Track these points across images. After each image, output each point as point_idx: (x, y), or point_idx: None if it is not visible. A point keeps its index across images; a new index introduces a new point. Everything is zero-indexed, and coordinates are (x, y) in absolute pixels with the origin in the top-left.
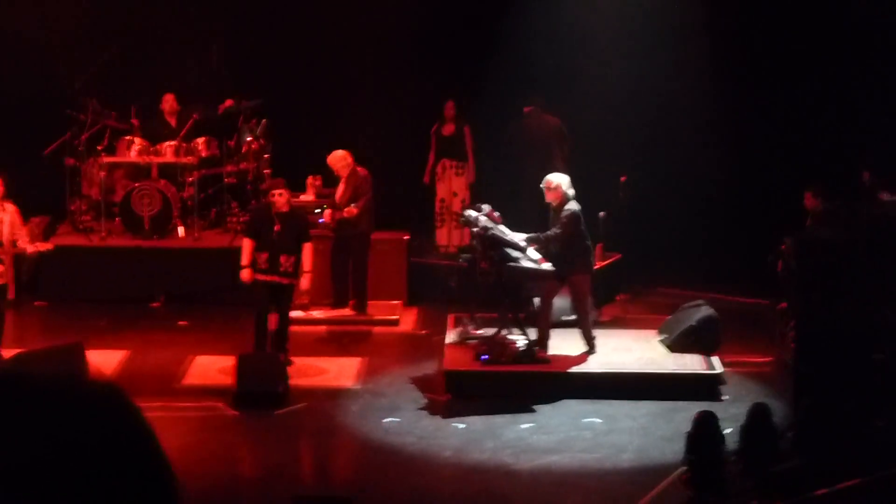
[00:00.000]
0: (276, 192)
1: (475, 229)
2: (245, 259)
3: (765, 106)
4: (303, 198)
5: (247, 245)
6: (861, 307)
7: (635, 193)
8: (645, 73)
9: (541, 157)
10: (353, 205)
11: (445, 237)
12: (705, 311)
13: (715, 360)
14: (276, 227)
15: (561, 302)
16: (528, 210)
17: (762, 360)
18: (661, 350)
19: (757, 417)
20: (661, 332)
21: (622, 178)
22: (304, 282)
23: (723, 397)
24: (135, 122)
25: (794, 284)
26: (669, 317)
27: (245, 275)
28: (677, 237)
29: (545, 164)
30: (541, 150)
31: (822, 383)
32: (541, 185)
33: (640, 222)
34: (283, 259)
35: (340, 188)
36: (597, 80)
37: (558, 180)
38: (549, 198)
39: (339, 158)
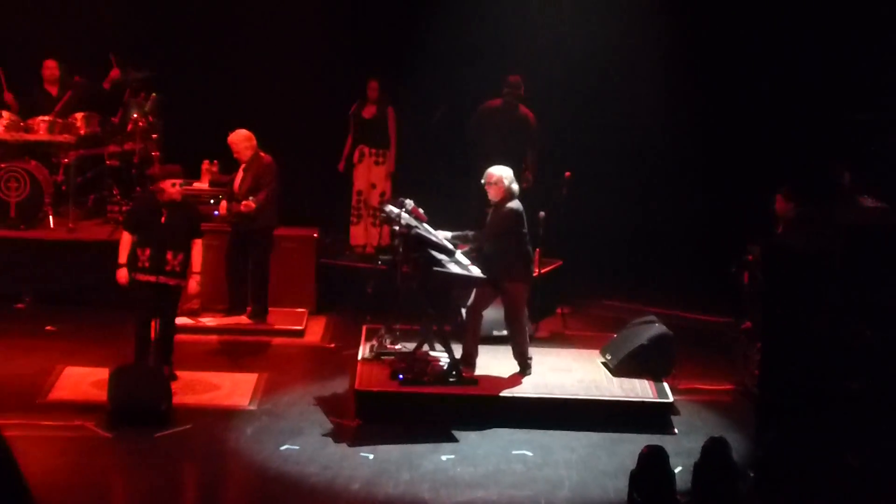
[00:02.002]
0: (169, 182)
1: (396, 227)
2: (122, 256)
3: (730, 97)
4: (196, 185)
5: (125, 240)
6: (835, 327)
7: (579, 192)
8: (598, 54)
9: (504, 156)
10: (252, 197)
11: (362, 236)
12: (657, 328)
13: (666, 386)
14: (162, 219)
15: (492, 314)
16: (477, 215)
17: (721, 387)
18: (605, 373)
19: (712, 454)
20: (605, 352)
21: (566, 174)
22: (193, 283)
23: (674, 429)
24: (7, 94)
25: (760, 300)
26: (615, 335)
27: (121, 276)
28: (626, 243)
29: (509, 165)
30: (509, 151)
31: (789, 415)
32: (481, 180)
33: (585, 225)
34: (169, 256)
35: (240, 175)
36: (543, 59)
37: (500, 173)
38: (491, 194)
39: (241, 139)
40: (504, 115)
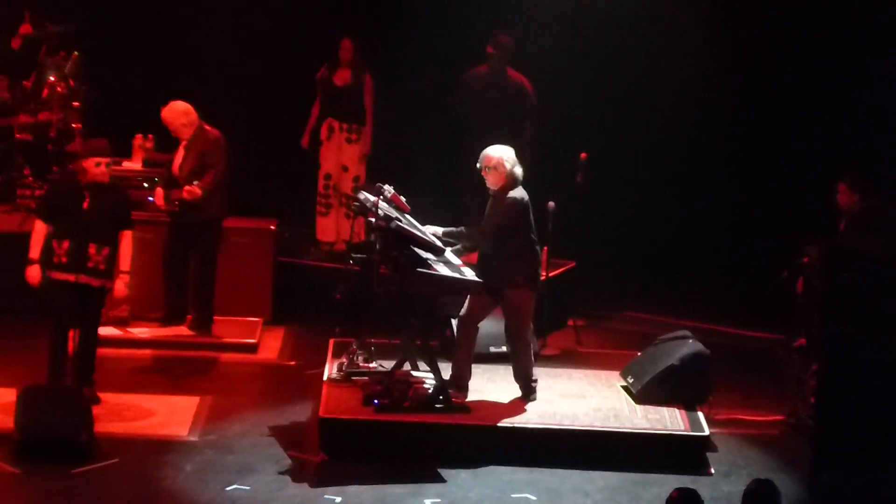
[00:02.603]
0: (93, 161)
1: (373, 219)
2: (33, 250)
3: (782, 69)
4: (127, 165)
5: (38, 231)
6: None
7: (597, 178)
8: (623, 18)
9: (497, 132)
10: (196, 181)
11: (330, 229)
12: (690, 346)
13: (701, 416)
14: (84, 205)
15: (490, 326)
16: (470, 205)
17: (768, 418)
18: (626, 399)
19: (757, 500)
20: (626, 373)
21: (582, 156)
22: (121, 285)
23: (710, 469)
24: None
25: (817, 312)
26: (639, 353)
27: (32, 274)
28: (653, 242)
29: (504, 142)
30: (499, 122)
31: (850, 453)
32: (477, 164)
33: (604, 219)
34: (92, 250)
35: (180, 154)
36: (554, 12)
37: (499, 155)
38: (490, 181)
39: (178, 113)
40: (492, 83)
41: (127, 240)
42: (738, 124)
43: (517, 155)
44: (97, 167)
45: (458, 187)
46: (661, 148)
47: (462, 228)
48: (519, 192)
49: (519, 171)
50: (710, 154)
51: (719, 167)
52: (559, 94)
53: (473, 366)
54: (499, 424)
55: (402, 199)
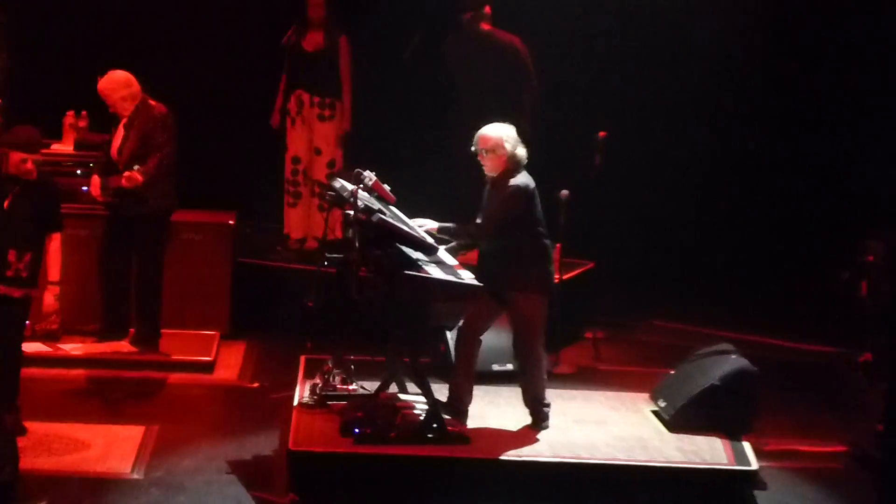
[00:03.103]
0: (19, 156)
1: (351, 212)
2: None
3: (842, 52)
4: (56, 148)
5: None
6: None
7: (620, 161)
8: None
9: (488, 105)
10: (139, 167)
11: (300, 224)
12: (733, 363)
13: (746, 446)
14: (5, 203)
15: (494, 340)
16: (468, 194)
17: (826, 448)
18: (657, 426)
19: None
20: (657, 395)
21: (600, 134)
22: (50, 296)
23: None
24: None
25: (885, 320)
26: (672, 371)
27: None
28: (687, 237)
29: (493, 114)
30: (488, 98)
31: None
32: (471, 147)
33: (627, 210)
34: (11, 256)
35: (120, 134)
36: None
37: (498, 135)
38: (488, 166)
39: (117, 85)
40: (470, 45)
41: (56, 243)
42: (787, 97)
43: (518, 133)
44: (23, 164)
45: (452, 173)
46: (696, 125)
47: (459, 226)
48: (523, 178)
49: (522, 152)
50: (754, 135)
51: (765, 149)
52: (572, 59)
53: (474, 387)
54: (503, 457)
55: (387, 187)
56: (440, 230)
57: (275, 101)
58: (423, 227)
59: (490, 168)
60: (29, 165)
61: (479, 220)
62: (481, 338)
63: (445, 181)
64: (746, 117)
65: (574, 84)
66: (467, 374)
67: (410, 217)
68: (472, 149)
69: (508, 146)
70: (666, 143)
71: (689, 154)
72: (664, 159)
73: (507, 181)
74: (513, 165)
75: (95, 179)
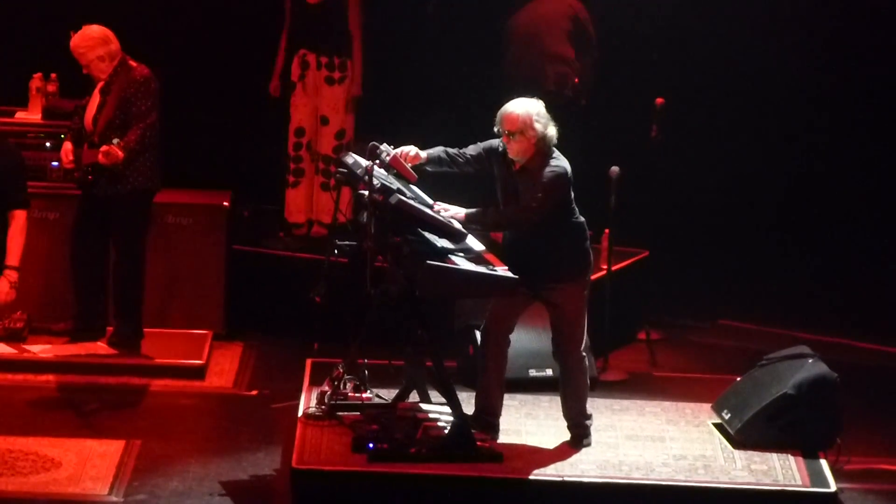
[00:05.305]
0: None
1: (366, 192)
2: None
3: None
4: (20, 116)
5: None
6: None
7: (680, 134)
8: None
9: (535, 72)
10: (118, 139)
11: (305, 206)
12: (810, 368)
13: (824, 465)
14: None
15: (530, 341)
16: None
17: None
18: (721, 442)
19: None
20: (721, 406)
21: (657, 101)
22: (5, 283)
23: None
24: None
25: None
26: (739, 378)
27: None
28: (758, 224)
29: (543, 86)
30: (537, 60)
31: None
32: (495, 127)
33: (688, 190)
34: None
35: (95, 101)
36: None
37: (528, 112)
38: (514, 149)
39: (93, 41)
40: (527, 12)
41: (18, 223)
42: (881, 60)
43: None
44: None
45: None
46: (770, 91)
47: (490, 210)
48: (557, 161)
49: (553, 132)
50: (841, 105)
51: (851, 121)
52: (627, 16)
53: (506, 396)
54: (541, 477)
55: (406, 163)
56: (471, 217)
57: (274, 63)
58: (448, 212)
59: (517, 152)
60: None
61: (502, 207)
62: (513, 338)
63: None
64: (831, 84)
65: (627, 39)
66: (497, 380)
67: (434, 199)
68: (496, 129)
69: (539, 126)
70: (735, 113)
71: (762, 126)
72: (732, 131)
73: (542, 165)
74: (544, 147)
75: (67, 146)
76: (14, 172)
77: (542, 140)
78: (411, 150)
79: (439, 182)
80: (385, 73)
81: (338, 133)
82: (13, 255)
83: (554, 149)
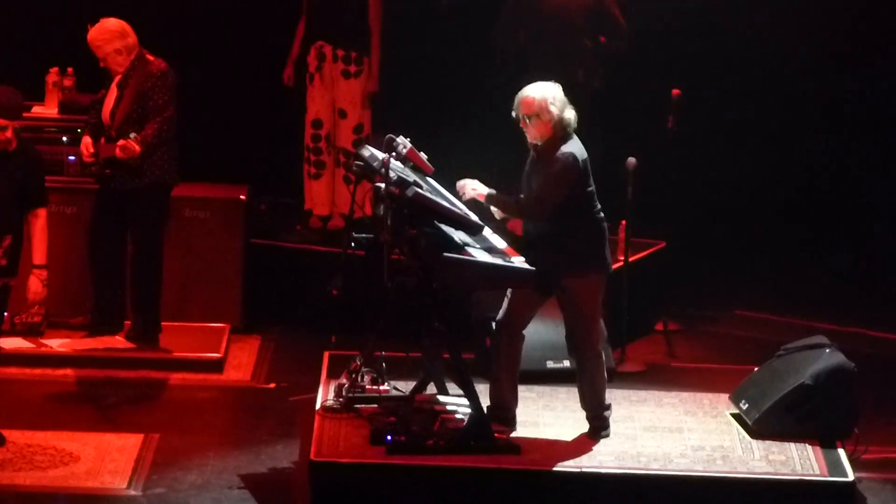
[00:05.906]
0: None
1: (383, 185)
2: None
3: None
4: (37, 111)
5: None
6: None
7: (697, 124)
8: None
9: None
10: (135, 134)
11: (323, 199)
12: (827, 358)
13: (842, 454)
14: None
15: (546, 333)
16: (514, 163)
17: None
18: (739, 432)
19: None
20: (738, 397)
21: (674, 92)
22: (37, 283)
23: None
24: None
25: None
26: (756, 369)
27: None
28: (775, 213)
29: (564, 73)
30: (559, 45)
31: None
32: (513, 112)
33: (705, 180)
34: None
35: (112, 95)
36: None
37: (543, 95)
38: (531, 133)
39: (111, 35)
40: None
41: (41, 221)
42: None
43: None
44: (2, 132)
45: (500, 140)
46: (790, 84)
47: (506, 198)
48: (574, 147)
49: (571, 115)
50: (861, 97)
51: (869, 113)
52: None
53: (523, 388)
54: (559, 469)
55: (424, 156)
56: (488, 199)
57: (288, 54)
58: (475, 190)
59: (534, 136)
60: (9, 134)
61: (522, 196)
62: (530, 330)
63: (489, 148)
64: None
65: (643, 28)
66: (510, 376)
67: (450, 191)
68: (514, 114)
69: (555, 109)
70: (752, 104)
71: (779, 117)
72: (749, 123)
73: (555, 151)
74: (560, 131)
75: (87, 140)
76: (36, 175)
77: (559, 123)
78: (475, 185)
79: (457, 174)
80: (403, 67)
81: (356, 127)
82: (40, 254)
83: (572, 133)
